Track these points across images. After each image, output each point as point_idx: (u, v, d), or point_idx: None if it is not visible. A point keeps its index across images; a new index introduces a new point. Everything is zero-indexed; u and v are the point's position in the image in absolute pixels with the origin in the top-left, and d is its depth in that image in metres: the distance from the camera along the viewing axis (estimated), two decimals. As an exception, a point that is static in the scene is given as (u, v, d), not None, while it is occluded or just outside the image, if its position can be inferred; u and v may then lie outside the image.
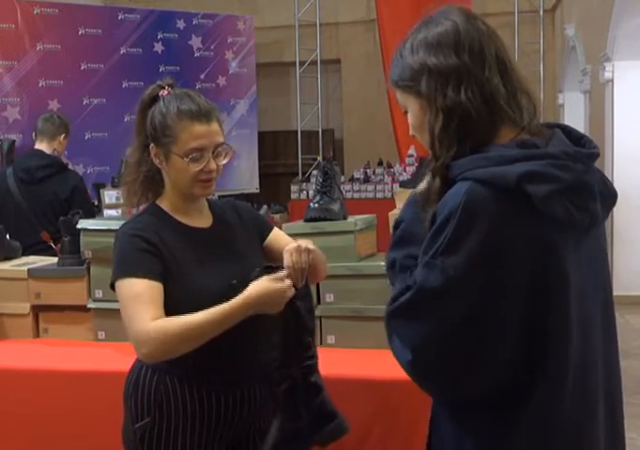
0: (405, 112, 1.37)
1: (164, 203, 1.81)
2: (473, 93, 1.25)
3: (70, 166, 4.37)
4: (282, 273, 1.69)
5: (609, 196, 1.33)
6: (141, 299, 1.66)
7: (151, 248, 1.71)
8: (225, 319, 1.64)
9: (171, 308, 1.68)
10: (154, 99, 1.77)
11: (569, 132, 1.34)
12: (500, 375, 1.24)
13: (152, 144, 1.75)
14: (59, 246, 3.47)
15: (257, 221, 1.96)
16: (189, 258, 1.75)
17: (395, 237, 1.39)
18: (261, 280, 1.67)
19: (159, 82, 1.80)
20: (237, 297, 1.65)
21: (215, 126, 1.75)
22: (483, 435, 1.28)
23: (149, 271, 1.69)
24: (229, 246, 1.83)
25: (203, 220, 1.84)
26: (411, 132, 1.38)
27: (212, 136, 1.74)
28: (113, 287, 1.74)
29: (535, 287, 1.22)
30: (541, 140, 1.28)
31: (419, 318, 1.24)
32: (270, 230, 1.96)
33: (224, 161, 1.77)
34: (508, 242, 1.19)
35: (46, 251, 3.45)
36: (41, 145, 3.93)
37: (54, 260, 2.78)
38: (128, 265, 1.71)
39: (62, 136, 3.98)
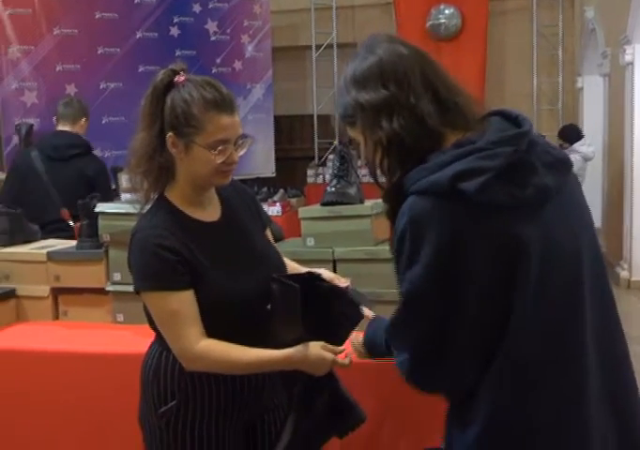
0: (359, 144, 1.43)
1: (174, 196, 1.76)
2: (405, 119, 1.32)
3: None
4: (341, 348, 1.72)
5: (556, 162, 1.35)
6: (180, 317, 1.66)
7: (178, 258, 1.67)
8: (265, 367, 1.72)
9: (201, 313, 1.69)
10: (168, 86, 1.70)
11: (508, 115, 1.38)
12: (479, 362, 1.30)
13: (170, 133, 1.68)
14: (77, 225, 3.53)
15: (259, 210, 1.96)
16: (209, 259, 1.72)
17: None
18: (316, 346, 1.68)
19: (171, 67, 1.73)
20: (283, 352, 1.67)
21: (237, 117, 1.72)
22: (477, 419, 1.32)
23: (180, 282, 1.67)
24: (243, 241, 1.82)
25: (213, 211, 1.81)
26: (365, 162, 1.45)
27: (237, 127, 1.71)
28: (137, 292, 1.72)
29: (498, 271, 1.27)
30: (478, 134, 1.32)
31: (406, 326, 1.34)
32: (265, 228, 1.95)
33: (242, 152, 1.74)
34: (460, 242, 1.25)
35: (65, 231, 3.49)
36: (64, 129, 3.99)
37: (73, 243, 2.81)
38: (157, 279, 1.67)
39: (83, 119, 4.04)
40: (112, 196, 3.88)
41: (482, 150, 1.28)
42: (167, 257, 1.67)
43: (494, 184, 1.25)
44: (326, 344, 1.68)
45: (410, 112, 1.32)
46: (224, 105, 1.68)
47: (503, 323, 1.28)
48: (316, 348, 1.67)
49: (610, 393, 1.35)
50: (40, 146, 3.99)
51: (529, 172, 1.29)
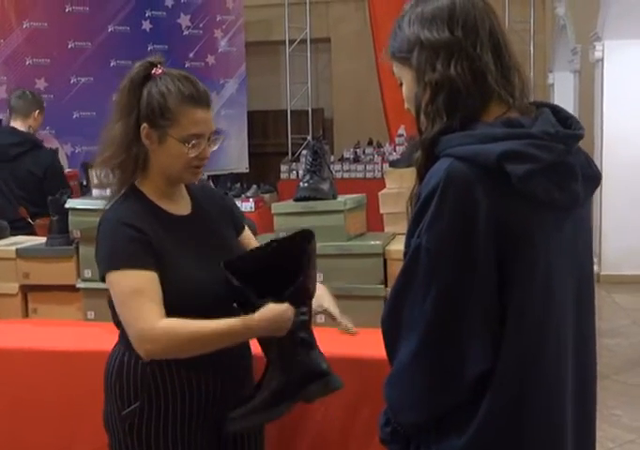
0: (401, 85, 1.39)
1: (146, 187, 1.75)
2: (463, 68, 1.27)
3: (57, 144, 4.35)
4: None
5: (592, 177, 1.34)
6: (142, 295, 1.61)
7: (143, 237, 1.65)
8: (227, 337, 1.64)
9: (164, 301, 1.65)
10: (145, 78, 1.71)
11: (557, 112, 1.35)
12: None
13: (145, 124, 1.69)
14: (37, 222, 3.47)
15: (232, 213, 1.95)
16: (175, 251, 1.70)
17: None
18: (269, 304, 1.64)
19: (149, 60, 1.73)
20: (241, 317, 1.64)
21: (211, 112, 1.73)
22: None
23: (145, 262, 1.64)
24: (213, 238, 1.80)
25: (183, 205, 1.80)
26: (406, 105, 1.39)
27: (210, 123, 1.72)
28: (103, 279, 1.68)
29: (501, 260, 1.23)
30: (528, 119, 1.29)
31: (417, 295, 1.25)
32: (243, 228, 1.95)
33: (214, 148, 1.75)
34: (482, 218, 1.21)
35: (26, 229, 3.45)
36: (16, 123, 3.92)
37: (43, 239, 2.77)
38: (122, 257, 1.64)
39: (36, 112, 3.96)
40: (66, 187, 3.82)
41: (537, 138, 1.24)
42: (133, 235, 1.65)
43: (538, 176, 1.22)
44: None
45: (471, 63, 1.27)
46: (200, 100, 1.69)
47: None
48: (270, 304, 1.64)
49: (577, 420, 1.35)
50: None
51: (571, 176, 1.28)
